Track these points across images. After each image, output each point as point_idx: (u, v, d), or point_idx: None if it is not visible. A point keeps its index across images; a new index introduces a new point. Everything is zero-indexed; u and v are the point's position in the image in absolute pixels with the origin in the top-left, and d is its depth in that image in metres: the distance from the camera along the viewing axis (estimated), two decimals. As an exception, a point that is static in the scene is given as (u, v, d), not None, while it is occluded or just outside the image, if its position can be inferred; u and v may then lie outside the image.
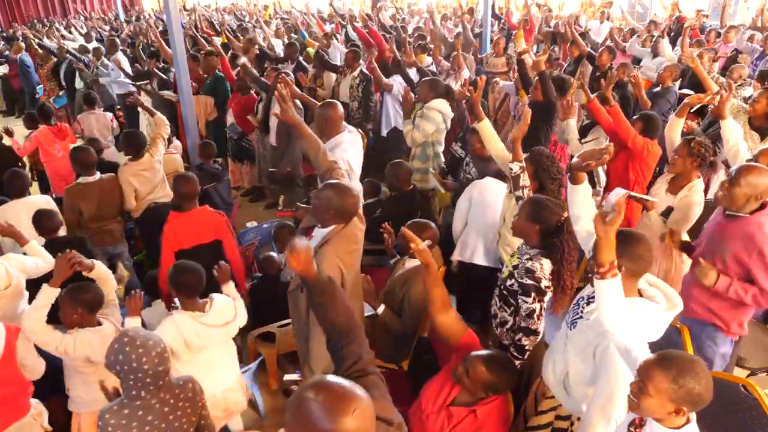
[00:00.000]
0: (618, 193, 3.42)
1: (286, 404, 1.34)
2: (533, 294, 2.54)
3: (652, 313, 2.01)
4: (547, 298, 2.58)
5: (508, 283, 2.67)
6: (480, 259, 3.64)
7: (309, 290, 1.88)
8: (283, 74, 3.03)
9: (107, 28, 13.35)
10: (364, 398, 1.30)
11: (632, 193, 3.41)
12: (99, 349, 2.62)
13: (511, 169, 3.07)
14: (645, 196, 3.40)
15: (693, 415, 1.76)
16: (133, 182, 4.34)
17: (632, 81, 4.93)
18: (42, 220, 3.49)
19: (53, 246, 3.48)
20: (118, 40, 8.85)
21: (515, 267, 2.65)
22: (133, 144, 4.38)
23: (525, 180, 3.02)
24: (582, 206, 2.41)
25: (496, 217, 3.49)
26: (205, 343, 2.68)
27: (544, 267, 2.55)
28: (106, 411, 2.05)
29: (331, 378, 1.34)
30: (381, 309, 3.01)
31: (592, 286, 2.14)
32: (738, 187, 2.57)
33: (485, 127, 3.46)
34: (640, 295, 2.07)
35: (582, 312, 2.18)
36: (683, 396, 1.66)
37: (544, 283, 2.53)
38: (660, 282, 2.14)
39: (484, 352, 2.30)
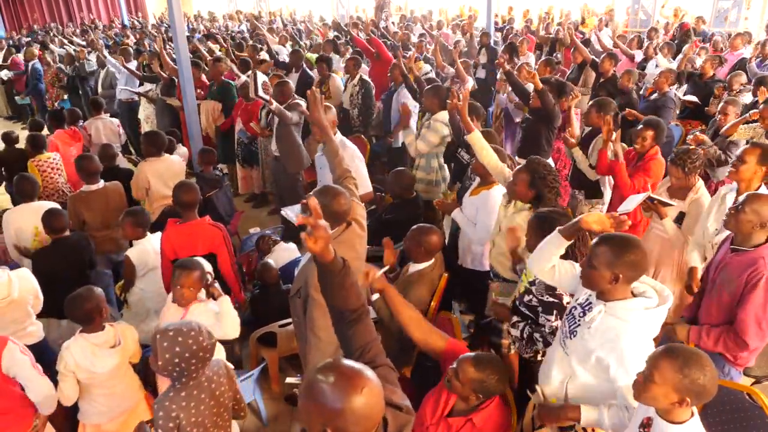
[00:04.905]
0: (636, 198, 3.38)
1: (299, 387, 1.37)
2: (555, 312, 2.50)
3: (651, 311, 2.01)
4: None
5: (526, 298, 2.62)
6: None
7: (322, 271, 1.75)
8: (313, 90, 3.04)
9: (113, 33, 13.41)
10: (373, 379, 1.35)
11: (653, 195, 3.35)
12: (87, 356, 2.62)
13: None
14: (665, 199, 3.34)
15: (695, 410, 1.78)
16: (150, 178, 4.45)
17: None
18: (51, 220, 3.52)
19: (60, 246, 3.54)
20: (131, 50, 8.98)
21: (531, 283, 2.60)
22: (155, 143, 4.56)
23: None
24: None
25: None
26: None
27: None
28: (165, 398, 2.13)
29: (340, 360, 1.39)
30: (375, 296, 2.98)
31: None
32: (743, 214, 2.61)
33: (476, 138, 3.46)
34: (633, 294, 2.07)
35: (579, 321, 2.16)
36: (688, 386, 1.69)
37: (566, 299, 2.49)
38: (645, 277, 2.14)
39: (472, 353, 2.28)
